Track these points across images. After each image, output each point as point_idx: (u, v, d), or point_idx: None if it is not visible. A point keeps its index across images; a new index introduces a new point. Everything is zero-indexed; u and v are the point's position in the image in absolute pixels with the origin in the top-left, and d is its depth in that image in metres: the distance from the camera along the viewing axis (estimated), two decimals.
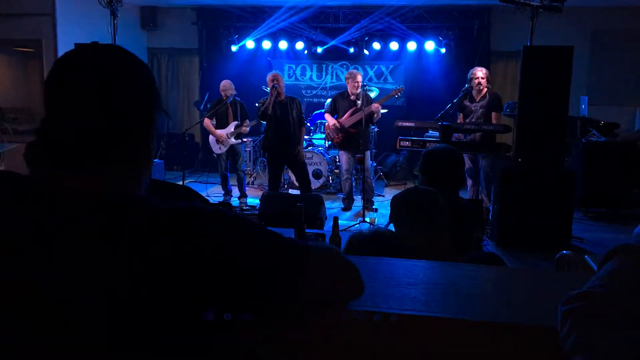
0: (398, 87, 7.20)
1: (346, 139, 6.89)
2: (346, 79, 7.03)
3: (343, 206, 7.31)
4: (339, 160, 7.43)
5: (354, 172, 7.41)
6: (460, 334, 1.03)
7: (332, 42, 9.65)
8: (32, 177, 0.93)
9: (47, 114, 0.94)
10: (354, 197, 7.43)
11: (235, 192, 7.63)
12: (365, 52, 9.67)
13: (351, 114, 6.83)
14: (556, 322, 0.95)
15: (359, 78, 6.88)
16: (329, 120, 7.00)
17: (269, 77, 6.57)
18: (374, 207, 7.10)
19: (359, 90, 6.80)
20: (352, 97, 6.87)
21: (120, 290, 0.83)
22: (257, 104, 7.00)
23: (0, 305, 0.85)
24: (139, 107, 0.97)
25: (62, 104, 0.93)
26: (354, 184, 7.50)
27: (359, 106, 6.78)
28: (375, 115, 6.84)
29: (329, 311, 1.04)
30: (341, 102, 6.96)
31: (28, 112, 8.46)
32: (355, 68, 9.89)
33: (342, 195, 7.40)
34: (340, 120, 6.88)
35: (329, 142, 7.64)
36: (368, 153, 7.08)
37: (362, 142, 6.79)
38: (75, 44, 5.94)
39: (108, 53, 0.98)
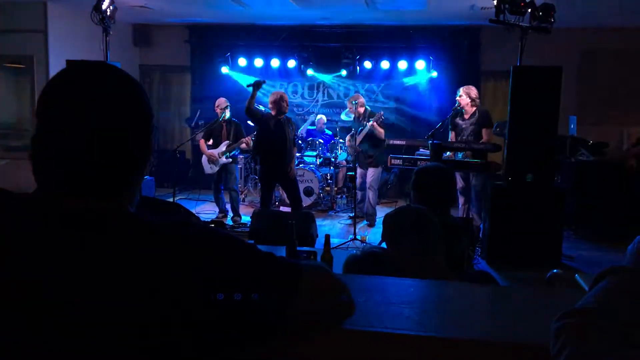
0: (380, 113, 7.35)
1: (357, 155, 7.20)
2: None
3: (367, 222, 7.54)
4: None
5: (365, 186, 7.63)
6: (454, 353, 1.03)
7: (324, 61, 9.71)
8: (25, 194, 0.94)
9: (38, 132, 0.93)
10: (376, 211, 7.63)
11: (228, 207, 7.61)
12: (357, 70, 9.72)
13: (358, 133, 7.20)
14: (549, 340, 0.95)
15: (350, 105, 7.26)
16: (348, 139, 7.51)
17: (278, 95, 6.55)
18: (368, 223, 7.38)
19: (359, 110, 7.18)
20: (360, 118, 7.25)
21: (112, 294, 0.85)
22: (250, 122, 7.06)
23: (0, 305, 0.86)
24: (133, 127, 0.97)
25: (53, 124, 0.93)
26: (368, 198, 7.60)
27: (363, 125, 7.18)
28: (377, 132, 7.13)
29: (322, 330, 1.03)
30: (354, 125, 7.34)
31: (18, 128, 8.43)
32: (346, 87, 9.96)
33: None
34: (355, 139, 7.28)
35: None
36: (374, 170, 7.31)
37: (363, 159, 7.22)
38: (67, 61, 5.97)
39: (103, 73, 0.97)
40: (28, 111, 8.26)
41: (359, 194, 7.52)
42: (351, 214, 7.37)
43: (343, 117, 9.06)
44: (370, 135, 7.14)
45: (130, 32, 10.16)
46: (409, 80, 9.71)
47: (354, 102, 7.13)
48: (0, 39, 8.02)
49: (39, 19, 7.98)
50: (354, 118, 7.25)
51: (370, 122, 7.08)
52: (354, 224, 6.51)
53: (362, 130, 7.17)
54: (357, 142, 7.08)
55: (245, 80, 9.69)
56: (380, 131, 7.14)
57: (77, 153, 0.91)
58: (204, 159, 7.40)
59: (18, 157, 7.82)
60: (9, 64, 8.46)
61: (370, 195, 7.39)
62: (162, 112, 10.52)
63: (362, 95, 9.67)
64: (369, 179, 7.35)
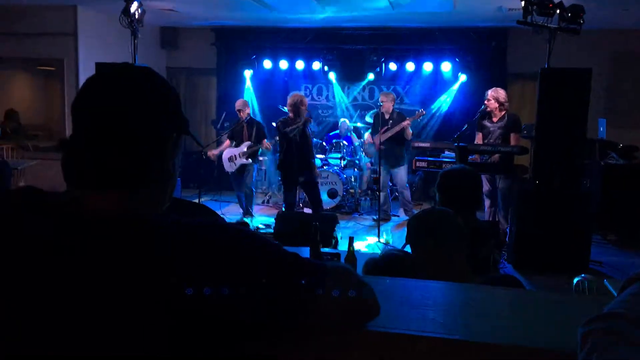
0: (420, 110, 7.45)
1: (380, 154, 7.22)
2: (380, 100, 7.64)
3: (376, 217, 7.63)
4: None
5: (389, 184, 7.84)
6: (479, 357, 1.02)
7: (349, 64, 9.71)
8: (53, 193, 0.95)
9: (72, 133, 0.97)
10: (392, 211, 7.96)
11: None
12: (382, 72, 9.69)
13: (383, 132, 7.28)
14: (576, 345, 0.93)
15: (383, 98, 7.42)
16: (367, 138, 7.54)
17: (297, 98, 6.54)
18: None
19: (390, 109, 7.42)
20: (387, 117, 7.40)
21: (135, 303, 0.85)
22: (274, 124, 7.08)
23: (9, 311, 0.87)
24: (161, 129, 0.99)
25: (85, 125, 0.95)
26: (390, 197, 7.87)
27: (389, 125, 7.32)
28: (406, 133, 7.30)
29: (346, 331, 1.03)
30: (377, 121, 7.49)
31: (48, 129, 8.61)
32: (371, 88, 9.94)
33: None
34: (375, 138, 7.39)
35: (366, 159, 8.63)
36: (402, 168, 7.50)
37: (392, 158, 7.33)
38: (97, 64, 6.05)
39: (135, 76, 1.00)
40: (58, 113, 8.43)
41: (381, 195, 7.54)
42: (375, 217, 7.35)
43: (368, 119, 9.06)
44: (397, 135, 7.23)
45: (158, 34, 10.30)
46: (433, 82, 9.63)
47: (378, 104, 7.21)
48: (32, 42, 8.21)
49: (69, 22, 8.14)
50: (376, 114, 7.47)
51: (406, 121, 7.24)
52: (378, 226, 6.48)
53: (389, 128, 7.30)
54: (382, 140, 7.19)
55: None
56: (409, 132, 7.28)
57: (102, 153, 0.93)
58: (224, 156, 7.54)
59: (48, 157, 7.98)
60: (40, 66, 8.65)
61: (406, 193, 7.60)
62: (188, 114, 10.61)
63: None
64: (400, 179, 7.51)
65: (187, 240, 0.89)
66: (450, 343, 1.02)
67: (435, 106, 9.62)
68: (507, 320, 1.18)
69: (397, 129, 7.24)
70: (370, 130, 7.73)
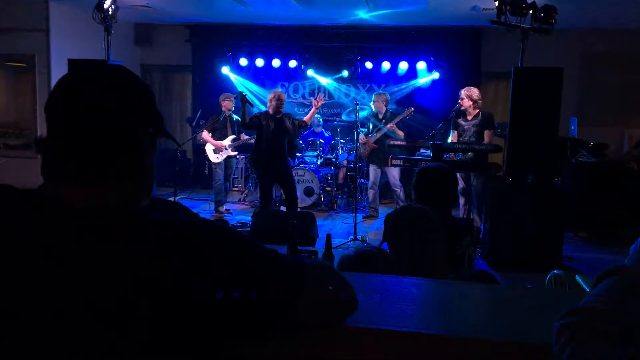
0: (409, 108, 7.54)
1: (372, 153, 7.57)
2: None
3: (367, 214, 7.88)
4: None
5: (378, 183, 7.88)
6: (456, 351, 1.03)
7: (325, 62, 9.71)
8: (29, 190, 0.94)
9: (47, 130, 0.96)
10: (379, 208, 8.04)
11: (229, 206, 7.69)
12: (358, 70, 9.70)
13: (377, 131, 7.53)
14: (551, 338, 0.95)
15: (376, 98, 7.62)
16: (361, 137, 7.58)
17: (278, 95, 6.61)
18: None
19: (383, 109, 7.56)
20: (380, 116, 7.57)
21: (116, 302, 0.84)
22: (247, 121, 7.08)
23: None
24: (136, 126, 0.99)
25: (60, 123, 0.95)
26: (398, 195, 7.83)
27: (382, 125, 7.50)
28: (397, 133, 7.36)
29: (325, 328, 1.03)
30: (372, 121, 7.72)
31: (18, 127, 8.43)
32: (347, 86, 9.96)
33: (367, 204, 8.05)
34: (369, 138, 7.59)
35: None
36: (397, 169, 7.51)
37: (384, 157, 7.33)
38: (69, 60, 5.93)
39: (108, 73, 1.00)
40: (29, 110, 8.26)
41: (370, 192, 7.80)
42: (356, 214, 7.39)
43: (344, 117, 9.09)
44: (388, 136, 7.30)
45: (132, 31, 10.15)
46: (409, 81, 9.68)
47: (373, 104, 7.51)
48: (2, 37, 8.02)
49: (41, 17, 7.98)
50: (371, 114, 7.66)
51: (390, 125, 7.30)
52: (355, 224, 6.50)
53: (379, 130, 7.43)
54: (373, 141, 7.45)
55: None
56: (400, 133, 7.34)
57: (77, 149, 0.93)
58: (209, 148, 7.56)
59: (17, 155, 7.83)
60: (11, 62, 8.46)
61: (399, 192, 7.65)
62: (163, 111, 10.49)
63: (365, 96, 9.71)
64: (393, 177, 7.58)
65: (167, 237, 0.89)
66: (427, 338, 1.04)
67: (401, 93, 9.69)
68: (483, 314, 1.20)
69: (381, 132, 7.38)
70: (365, 131, 7.76)
